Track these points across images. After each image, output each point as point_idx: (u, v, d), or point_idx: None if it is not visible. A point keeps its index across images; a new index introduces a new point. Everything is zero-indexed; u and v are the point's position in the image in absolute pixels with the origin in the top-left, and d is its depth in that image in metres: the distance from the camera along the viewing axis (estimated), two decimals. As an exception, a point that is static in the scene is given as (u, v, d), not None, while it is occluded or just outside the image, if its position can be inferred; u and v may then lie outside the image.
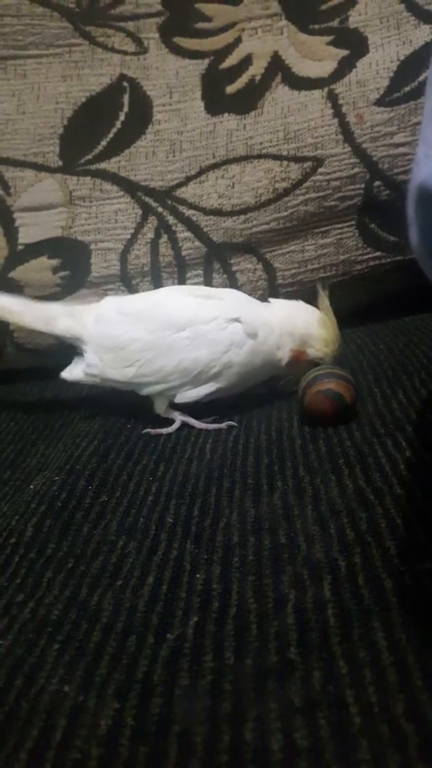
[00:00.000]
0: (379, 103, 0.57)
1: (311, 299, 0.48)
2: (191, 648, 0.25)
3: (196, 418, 0.46)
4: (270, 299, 0.49)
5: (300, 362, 0.46)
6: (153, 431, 0.45)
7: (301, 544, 0.31)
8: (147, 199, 0.58)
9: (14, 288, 0.58)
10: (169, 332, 0.45)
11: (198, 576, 0.30)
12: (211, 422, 0.45)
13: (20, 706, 0.24)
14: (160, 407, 0.46)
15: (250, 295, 0.51)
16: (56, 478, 0.40)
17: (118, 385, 0.47)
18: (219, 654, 0.25)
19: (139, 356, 0.45)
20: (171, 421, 0.46)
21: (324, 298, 0.47)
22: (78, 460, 0.42)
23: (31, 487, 0.40)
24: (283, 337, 0.46)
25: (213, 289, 0.51)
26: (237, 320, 0.45)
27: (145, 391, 0.46)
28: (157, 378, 0.45)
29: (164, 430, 0.45)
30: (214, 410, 0.46)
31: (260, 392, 0.49)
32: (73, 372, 0.48)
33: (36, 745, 0.22)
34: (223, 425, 0.44)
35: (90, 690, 0.24)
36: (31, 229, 0.58)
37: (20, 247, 0.58)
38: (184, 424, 0.45)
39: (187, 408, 0.46)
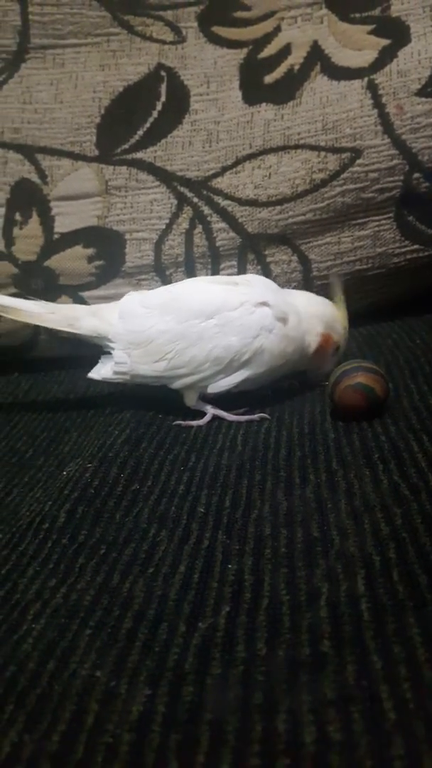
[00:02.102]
0: (420, 93, 0.56)
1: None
2: (223, 637, 0.25)
3: (227, 410, 0.45)
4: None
5: (326, 348, 0.46)
6: (183, 423, 0.45)
7: (335, 538, 0.30)
8: (182, 189, 0.58)
9: (50, 276, 0.58)
10: (198, 321, 0.44)
11: (230, 566, 0.30)
12: (243, 414, 0.45)
13: (53, 689, 0.24)
14: (190, 399, 0.46)
15: (283, 287, 0.51)
16: (89, 465, 0.40)
17: (149, 381, 0.46)
18: (251, 644, 0.25)
19: (169, 348, 0.44)
20: (202, 413, 0.46)
21: (339, 288, 0.47)
22: (110, 448, 0.42)
23: (65, 473, 0.40)
24: (311, 320, 0.46)
25: (236, 276, 0.51)
26: (265, 304, 0.44)
27: (177, 384, 0.46)
28: (190, 369, 0.44)
29: (195, 423, 0.45)
30: (244, 402, 0.46)
31: (292, 386, 0.48)
32: (100, 371, 0.48)
33: (69, 728, 0.22)
34: (255, 416, 0.44)
35: (122, 676, 0.24)
36: (67, 218, 0.58)
37: (56, 236, 0.58)
38: (215, 417, 0.45)
39: (218, 400, 0.46)
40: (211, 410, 0.45)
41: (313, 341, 0.46)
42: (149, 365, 0.45)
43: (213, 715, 0.22)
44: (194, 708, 0.22)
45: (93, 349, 0.49)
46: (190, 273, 0.58)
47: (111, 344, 0.47)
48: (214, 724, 0.22)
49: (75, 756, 0.21)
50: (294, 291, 0.49)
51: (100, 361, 0.48)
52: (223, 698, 0.23)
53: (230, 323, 0.44)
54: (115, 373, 0.47)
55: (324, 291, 0.50)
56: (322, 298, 0.48)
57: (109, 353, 0.47)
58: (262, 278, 0.49)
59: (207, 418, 0.45)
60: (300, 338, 0.45)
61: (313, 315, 0.46)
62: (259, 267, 0.58)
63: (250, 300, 0.44)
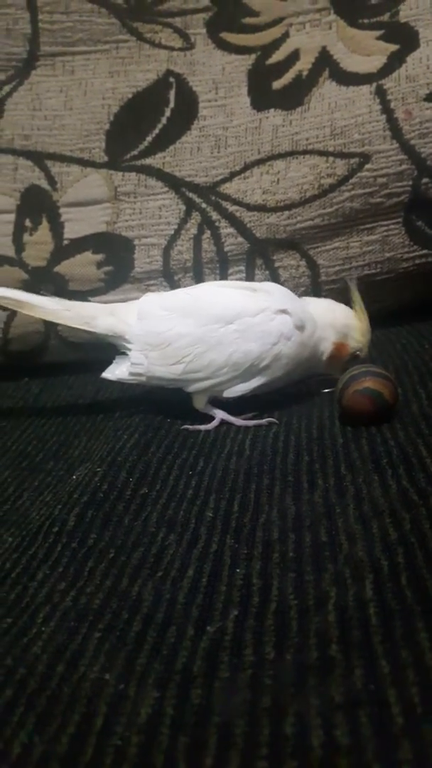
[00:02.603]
0: (429, 98, 0.56)
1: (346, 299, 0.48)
2: (231, 641, 0.25)
3: (235, 415, 0.45)
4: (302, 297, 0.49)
5: (340, 356, 0.46)
6: (191, 427, 0.45)
7: (343, 543, 0.30)
8: (191, 194, 0.58)
9: (60, 282, 0.59)
10: (218, 326, 0.44)
11: (238, 570, 0.30)
12: (251, 418, 0.45)
13: (62, 691, 0.24)
14: (200, 402, 0.46)
15: (292, 291, 0.51)
16: (98, 469, 0.41)
17: (165, 383, 0.46)
18: (259, 648, 0.25)
19: (187, 351, 0.44)
20: (210, 417, 0.46)
21: (355, 291, 0.47)
22: (119, 452, 0.43)
23: (74, 477, 0.41)
24: (326, 329, 0.46)
25: (254, 283, 0.51)
26: (285, 312, 0.45)
27: (193, 388, 0.46)
28: (207, 373, 0.45)
29: (203, 427, 0.45)
30: (253, 407, 0.46)
31: (301, 390, 0.48)
32: (115, 372, 0.48)
33: (78, 730, 0.22)
34: (264, 421, 0.44)
35: (130, 679, 0.24)
36: (77, 225, 0.59)
37: (66, 242, 0.59)
38: (223, 422, 0.45)
39: (227, 405, 0.46)
40: (219, 415, 0.45)
41: (327, 349, 0.46)
42: (166, 368, 0.45)
43: (221, 718, 0.22)
44: (202, 711, 0.23)
45: (102, 354, 0.50)
46: (199, 278, 0.58)
47: (128, 345, 0.47)
48: (222, 727, 0.22)
49: (84, 758, 0.21)
50: (311, 299, 0.49)
51: (114, 361, 0.48)
52: (231, 701, 0.23)
53: (250, 329, 0.44)
54: (131, 374, 0.47)
55: (336, 296, 0.50)
56: (341, 306, 0.47)
57: (124, 354, 0.47)
58: (280, 286, 0.49)
59: (215, 423, 0.45)
60: (315, 346, 0.46)
61: (328, 324, 0.46)
62: (267, 272, 0.58)
63: (271, 307, 0.45)
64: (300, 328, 0.45)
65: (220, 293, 0.47)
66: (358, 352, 0.47)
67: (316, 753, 0.20)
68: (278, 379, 0.45)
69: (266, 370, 0.45)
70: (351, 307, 0.47)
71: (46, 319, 0.50)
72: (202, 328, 0.44)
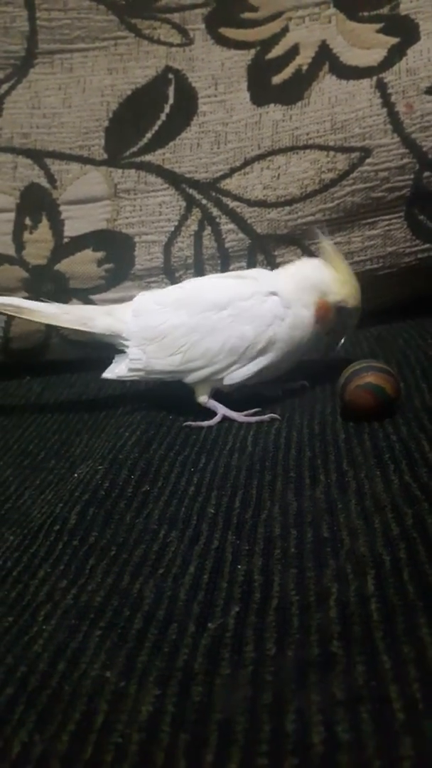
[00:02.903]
0: (429, 91, 0.56)
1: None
2: (232, 638, 0.25)
3: (237, 411, 0.45)
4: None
5: (327, 315, 0.46)
6: (193, 424, 0.45)
7: (345, 538, 0.30)
8: (191, 191, 0.58)
9: (60, 280, 0.59)
10: (211, 313, 0.45)
11: (239, 567, 0.30)
12: (253, 414, 0.45)
13: (63, 689, 0.24)
14: (202, 395, 0.46)
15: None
16: (100, 467, 0.41)
17: (164, 376, 0.47)
18: (260, 645, 0.25)
19: (183, 341, 0.45)
20: (211, 414, 0.46)
21: (325, 242, 0.47)
22: (121, 450, 0.42)
23: (75, 475, 0.41)
24: (302, 295, 0.45)
25: (241, 272, 0.51)
26: (274, 294, 0.45)
27: (192, 378, 0.46)
28: (204, 361, 0.45)
29: (205, 423, 0.45)
30: (254, 404, 0.46)
31: (303, 386, 0.48)
32: (115, 371, 0.48)
33: (78, 727, 0.22)
34: (266, 417, 0.44)
35: (131, 676, 0.24)
36: (77, 222, 0.59)
37: (66, 240, 0.59)
38: (225, 418, 0.45)
39: (228, 402, 0.46)
40: (221, 411, 0.45)
41: (308, 314, 0.45)
42: (164, 359, 0.46)
43: (222, 715, 0.22)
44: (203, 708, 0.22)
45: (103, 352, 0.50)
46: (200, 275, 0.58)
47: (125, 342, 0.47)
48: (223, 723, 0.22)
49: (84, 756, 0.21)
50: (282, 271, 0.48)
51: (113, 361, 0.49)
52: (232, 698, 0.23)
53: (243, 313, 0.45)
54: (130, 370, 0.47)
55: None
56: (310, 262, 0.48)
57: (123, 353, 0.48)
58: (264, 270, 0.50)
59: (217, 419, 0.45)
60: (300, 318, 0.45)
61: (301, 289, 0.45)
62: (268, 268, 0.58)
63: (261, 290, 0.45)
64: (288, 309, 0.45)
65: (212, 283, 0.48)
66: (342, 304, 0.46)
67: (317, 749, 0.20)
68: (276, 363, 0.45)
69: (263, 353, 0.45)
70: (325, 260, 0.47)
71: (46, 323, 0.51)
72: (196, 316, 0.45)
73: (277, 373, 0.47)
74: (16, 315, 0.50)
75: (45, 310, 0.49)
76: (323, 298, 0.46)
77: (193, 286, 0.48)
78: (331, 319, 0.46)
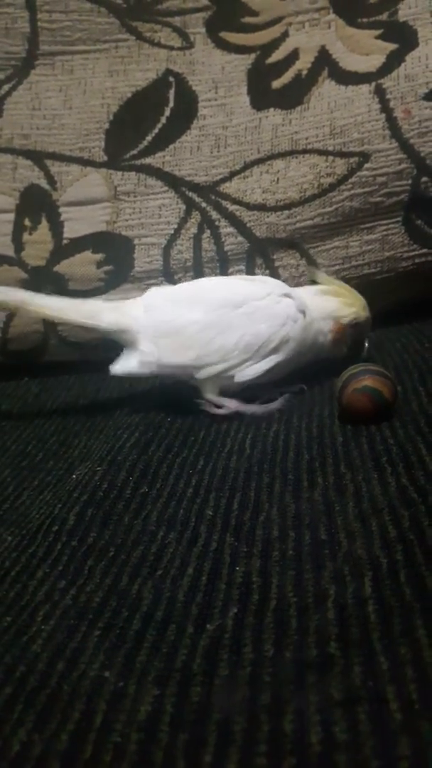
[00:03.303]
0: (427, 97, 0.56)
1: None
2: (231, 639, 0.26)
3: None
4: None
5: (342, 333, 0.48)
6: (209, 410, 0.46)
7: (342, 541, 0.30)
8: (191, 194, 0.58)
9: (59, 282, 0.59)
10: (227, 310, 0.46)
11: (238, 568, 0.30)
12: (264, 402, 0.46)
13: (62, 689, 0.24)
14: (211, 392, 0.46)
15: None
16: (98, 468, 0.41)
17: (176, 371, 0.47)
18: (258, 646, 0.25)
19: (199, 337, 0.45)
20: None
21: (321, 274, 0.50)
22: (119, 451, 0.43)
23: (74, 476, 0.41)
24: (320, 322, 0.48)
25: (252, 276, 0.53)
26: (288, 296, 0.47)
27: (204, 373, 0.46)
28: (219, 357, 0.45)
29: (220, 411, 0.46)
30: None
31: (302, 389, 0.48)
32: (124, 365, 0.48)
33: (77, 727, 0.22)
34: (275, 404, 0.45)
35: (130, 676, 0.24)
36: (76, 224, 0.59)
37: (65, 242, 0.59)
38: (224, 419, 0.45)
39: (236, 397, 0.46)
40: (234, 405, 0.46)
41: (328, 336, 0.48)
42: (178, 354, 0.46)
43: (221, 715, 0.22)
44: (202, 708, 0.23)
45: (103, 353, 0.50)
46: (199, 278, 0.58)
47: (137, 335, 0.47)
48: (221, 724, 0.22)
49: (84, 755, 0.21)
50: (298, 289, 0.50)
51: (121, 356, 0.48)
52: (231, 699, 0.23)
53: (258, 311, 0.46)
54: (142, 363, 0.47)
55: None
56: (315, 289, 0.50)
57: (131, 348, 0.47)
58: (274, 279, 0.51)
59: (232, 407, 0.45)
60: (315, 335, 0.48)
61: (320, 317, 0.48)
62: (267, 271, 0.58)
63: (275, 291, 0.47)
64: (302, 312, 0.47)
65: (224, 282, 0.49)
66: (355, 320, 0.49)
67: (315, 749, 0.20)
68: (286, 363, 0.47)
69: (275, 352, 0.46)
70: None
71: (52, 318, 0.51)
72: (212, 313, 0.46)
73: (287, 372, 0.47)
74: (21, 308, 0.50)
75: (51, 304, 0.49)
76: (338, 321, 0.48)
77: (205, 285, 0.50)
78: (345, 336, 0.49)
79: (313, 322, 0.47)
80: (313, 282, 0.52)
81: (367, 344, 0.50)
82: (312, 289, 0.50)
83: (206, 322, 0.45)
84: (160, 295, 0.49)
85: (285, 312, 0.46)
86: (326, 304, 0.49)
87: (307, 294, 0.49)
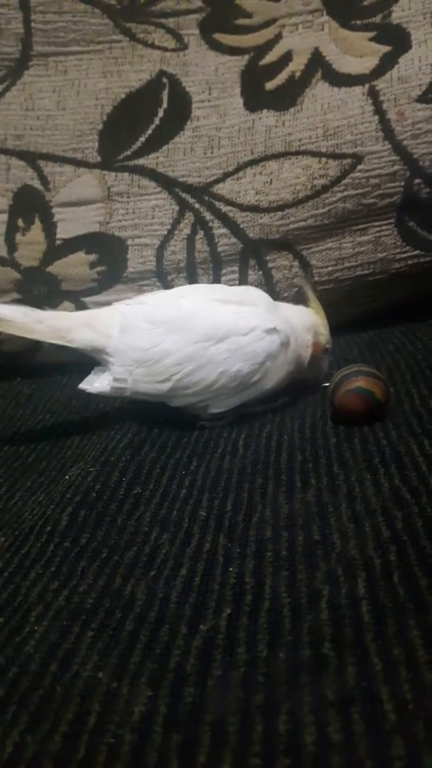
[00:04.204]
0: (420, 99, 0.56)
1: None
2: (224, 639, 0.25)
3: None
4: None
5: (317, 354, 0.47)
6: (208, 424, 0.45)
7: (336, 541, 0.30)
8: (184, 195, 0.58)
9: (52, 282, 0.59)
10: (209, 344, 0.43)
11: (231, 569, 0.30)
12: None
13: (55, 690, 0.24)
14: (188, 410, 0.45)
15: (285, 292, 0.51)
16: (91, 469, 0.41)
17: (149, 398, 0.45)
18: (252, 646, 0.25)
19: (176, 369, 0.43)
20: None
21: (309, 287, 0.49)
22: (112, 452, 0.43)
23: (67, 477, 0.41)
24: (303, 333, 0.47)
25: (237, 289, 0.50)
26: (274, 330, 0.44)
27: (178, 402, 0.45)
28: (195, 391, 0.44)
29: (220, 423, 0.45)
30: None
31: (286, 400, 0.48)
32: (95, 384, 0.45)
33: (71, 728, 0.22)
34: (278, 402, 0.46)
35: (123, 677, 0.24)
36: (70, 225, 0.59)
37: (58, 242, 0.59)
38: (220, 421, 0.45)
39: None
40: (232, 412, 0.45)
41: (306, 354, 0.47)
42: (152, 384, 0.44)
43: (214, 715, 0.22)
44: (195, 709, 0.23)
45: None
46: (192, 279, 0.58)
47: (110, 359, 0.44)
48: (215, 724, 0.22)
49: (77, 756, 0.21)
50: (282, 304, 0.49)
51: (93, 372, 0.46)
52: (224, 699, 0.23)
53: (241, 349, 0.43)
54: (113, 388, 0.45)
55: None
56: (300, 307, 0.49)
57: (103, 365, 0.45)
58: (262, 294, 0.48)
59: (230, 418, 0.45)
60: (297, 355, 0.46)
61: (304, 328, 0.47)
62: (260, 272, 0.58)
63: (260, 326, 0.44)
64: (286, 345, 0.45)
65: (209, 308, 0.45)
66: (327, 346, 0.48)
67: (309, 750, 0.20)
68: (263, 393, 0.45)
69: (253, 386, 0.45)
70: (306, 306, 0.48)
71: (17, 334, 0.45)
72: (192, 345, 0.43)
73: (264, 399, 0.46)
74: None
75: (15, 319, 0.44)
76: (317, 339, 0.47)
77: (188, 308, 0.45)
78: (319, 359, 0.48)
79: (297, 340, 0.46)
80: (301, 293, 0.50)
81: (325, 368, 0.48)
82: (294, 306, 0.49)
83: (185, 355, 0.43)
84: (137, 315, 0.45)
85: (267, 350, 0.44)
86: (308, 318, 0.47)
87: (289, 307, 0.48)
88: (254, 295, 0.47)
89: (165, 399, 0.45)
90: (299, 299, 0.49)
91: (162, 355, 0.43)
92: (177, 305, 0.45)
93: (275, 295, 0.54)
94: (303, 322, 0.47)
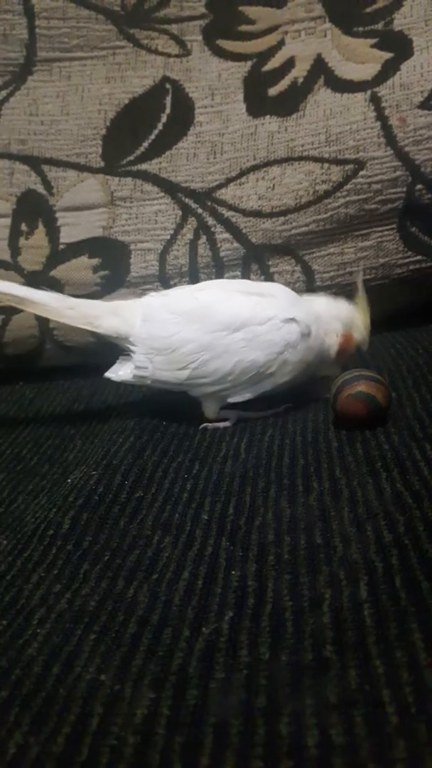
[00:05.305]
0: (422, 106, 0.56)
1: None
2: (226, 642, 0.26)
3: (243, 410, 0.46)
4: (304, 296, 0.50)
5: (348, 348, 0.47)
6: (210, 426, 0.45)
7: (338, 545, 0.30)
8: (187, 200, 0.58)
9: (55, 286, 0.59)
10: (225, 333, 0.44)
11: (233, 572, 0.30)
12: (261, 408, 0.46)
13: (58, 692, 0.24)
14: (210, 410, 0.46)
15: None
16: (93, 472, 0.41)
17: (169, 387, 0.46)
18: (254, 649, 0.25)
19: (193, 358, 0.44)
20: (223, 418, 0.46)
21: (361, 285, 0.47)
22: (115, 455, 0.43)
23: (69, 481, 0.41)
24: (332, 321, 0.46)
25: (259, 283, 0.51)
26: (293, 320, 0.45)
27: (197, 392, 0.46)
28: (213, 380, 0.44)
29: (221, 424, 0.45)
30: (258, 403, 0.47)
31: (296, 395, 0.49)
32: (119, 372, 0.47)
33: (73, 730, 0.22)
34: (281, 408, 0.45)
35: (126, 679, 0.24)
36: (73, 229, 0.59)
37: (62, 246, 0.59)
38: (239, 419, 0.46)
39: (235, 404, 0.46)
40: (235, 414, 0.46)
41: (333, 343, 0.46)
42: (171, 372, 0.45)
43: (217, 718, 0.22)
44: (198, 711, 0.23)
45: (98, 358, 0.50)
46: (195, 283, 0.58)
47: (132, 347, 0.46)
48: (217, 727, 0.22)
49: (80, 758, 0.21)
50: (315, 296, 0.49)
51: (117, 361, 0.48)
52: (227, 702, 0.23)
53: (257, 338, 0.44)
54: (135, 376, 0.46)
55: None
56: (342, 300, 0.48)
57: (128, 354, 0.47)
58: (284, 289, 0.48)
59: (233, 420, 0.45)
60: (320, 344, 0.46)
61: (333, 317, 0.46)
62: (263, 277, 0.58)
63: (278, 315, 0.44)
64: (306, 335, 0.45)
65: (228, 299, 0.46)
66: (362, 345, 0.47)
67: (312, 752, 0.20)
68: (284, 384, 0.46)
69: (272, 376, 0.45)
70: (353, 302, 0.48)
71: (48, 317, 0.50)
72: (209, 334, 0.44)
73: (284, 390, 0.46)
74: (17, 305, 0.48)
75: (48, 303, 0.47)
76: (350, 332, 0.47)
77: (209, 299, 0.46)
78: (348, 355, 0.47)
79: (322, 326, 0.45)
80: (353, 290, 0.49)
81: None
82: (331, 298, 0.49)
83: (202, 343, 0.44)
84: (159, 304, 0.46)
85: (285, 339, 0.44)
86: (347, 310, 0.47)
87: (322, 300, 0.48)
88: (275, 289, 0.48)
89: (184, 388, 0.46)
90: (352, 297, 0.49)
91: (180, 343, 0.44)
92: (197, 296, 0.47)
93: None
94: (333, 312, 0.47)
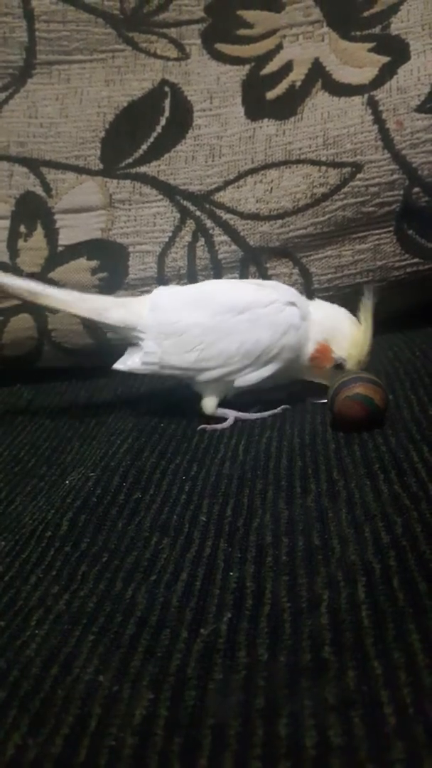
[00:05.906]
0: (419, 109, 0.57)
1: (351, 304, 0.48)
2: (225, 643, 0.26)
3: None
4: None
5: (322, 360, 0.46)
6: (209, 427, 0.45)
7: (335, 546, 0.31)
8: (185, 202, 0.59)
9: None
10: (229, 316, 0.46)
11: (231, 574, 0.30)
12: (258, 410, 0.46)
13: (56, 693, 0.24)
14: (210, 405, 0.46)
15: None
16: (91, 474, 0.41)
17: (178, 372, 0.47)
18: (252, 650, 0.25)
19: (200, 340, 0.45)
20: (221, 419, 0.46)
21: (368, 302, 0.46)
22: (113, 457, 0.43)
23: (67, 482, 0.41)
24: (312, 325, 0.46)
25: (259, 280, 0.53)
26: (293, 304, 0.46)
27: (205, 377, 0.46)
28: (219, 362, 0.46)
29: (219, 426, 0.46)
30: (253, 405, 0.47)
31: (294, 396, 0.49)
32: (127, 362, 0.48)
33: (72, 731, 0.22)
34: (278, 409, 0.46)
35: (124, 680, 0.24)
36: (71, 231, 0.59)
37: (60, 249, 0.59)
38: (236, 419, 0.46)
39: (231, 404, 0.47)
40: (232, 413, 0.46)
41: (310, 347, 0.46)
42: (179, 356, 0.46)
43: (215, 719, 0.22)
44: (196, 712, 0.23)
45: (96, 360, 0.50)
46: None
47: (140, 335, 0.47)
48: (216, 727, 0.22)
49: (78, 759, 0.21)
50: (317, 301, 0.49)
51: (126, 352, 0.49)
52: (225, 703, 0.23)
53: (261, 319, 0.45)
54: (144, 363, 0.47)
55: (331, 302, 0.49)
56: (342, 311, 0.47)
57: (135, 345, 0.48)
58: (285, 286, 0.50)
59: (230, 421, 0.46)
60: (304, 344, 0.46)
61: (317, 322, 0.46)
62: (260, 280, 0.58)
63: (280, 299, 0.46)
64: (305, 321, 0.46)
65: (232, 286, 0.49)
66: (341, 362, 0.46)
67: (310, 753, 0.20)
68: (283, 371, 0.46)
69: (275, 359, 0.46)
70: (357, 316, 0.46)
71: (61, 310, 0.51)
72: (215, 318, 0.46)
73: (279, 383, 0.47)
74: (29, 300, 0.50)
75: (60, 297, 0.49)
76: (326, 345, 0.46)
77: (211, 288, 0.49)
78: (323, 369, 0.46)
79: (307, 329, 0.46)
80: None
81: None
82: (332, 306, 0.48)
83: (208, 326, 0.46)
84: (167, 294, 0.48)
85: (287, 320, 0.45)
86: (334, 320, 0.46)
87: (320, 305, 0.48)
88: (274, 283, 0.51)
89: (192, 373, 0.46)
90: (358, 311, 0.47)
91: (188, 327, 0.46)
92: (199, 287, 0.51)
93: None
94: (321, 318, 0.46)
